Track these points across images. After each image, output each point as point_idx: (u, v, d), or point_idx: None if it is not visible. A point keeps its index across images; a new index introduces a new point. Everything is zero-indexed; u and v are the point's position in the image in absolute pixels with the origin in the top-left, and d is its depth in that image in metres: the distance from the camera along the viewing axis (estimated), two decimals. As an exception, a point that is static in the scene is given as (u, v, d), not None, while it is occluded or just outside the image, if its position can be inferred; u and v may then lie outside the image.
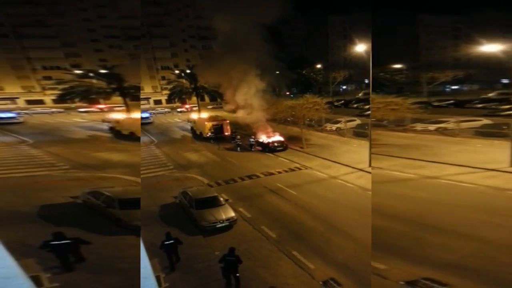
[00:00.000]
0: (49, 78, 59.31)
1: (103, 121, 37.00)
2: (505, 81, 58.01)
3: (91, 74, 40.32)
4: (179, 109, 54.52)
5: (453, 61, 61.40)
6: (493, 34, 31.62)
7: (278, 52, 30.99)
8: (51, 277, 7.24)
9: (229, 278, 9.02)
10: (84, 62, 60.81)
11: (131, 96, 39.40)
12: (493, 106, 36.20)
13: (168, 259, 9.84)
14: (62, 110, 49.22)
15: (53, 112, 49.18)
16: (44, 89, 60.45)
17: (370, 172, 18.57)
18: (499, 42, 16.79)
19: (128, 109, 36.58)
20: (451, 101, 44.57)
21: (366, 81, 66.70)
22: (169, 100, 54.66)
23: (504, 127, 21.18)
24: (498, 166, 16.61)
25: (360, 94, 59.63)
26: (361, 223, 12.49)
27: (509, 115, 19.70)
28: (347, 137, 28.14)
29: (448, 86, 61.15)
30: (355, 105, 48.52)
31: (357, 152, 22.61)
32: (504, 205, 12.50)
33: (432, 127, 26.74)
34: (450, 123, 26.25)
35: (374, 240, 10.69)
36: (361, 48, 21.47)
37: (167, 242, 9.84)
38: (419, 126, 27.19)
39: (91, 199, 13.33)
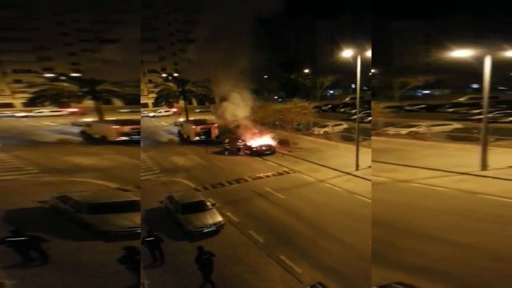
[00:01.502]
0: (19, 81, 58.29)
1: (74, 124, 36.19)
2: (475, 86, 60.22)
3: (62, 78, 39.78)
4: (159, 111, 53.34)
5: (424, 66, 63.01)
6: (463, 40, 32.83)
7: (267, 56, 31.17)
8: (17, 284, 7.05)
9: (209, 277, 8.96)
10: (57, 66, 60.11)
11: (104, 100, 39.06)
12: (464, 111, 37.36)
13: (151, 255, 9.81)
14: (31, 113, 47.92)
15: (22, 116, 47.76)
16: (14, 92, 59.04)
17: (357, 176, 18.76)
18: (470, 47, 17.10)
19: (100, 113, 35.90)
20: (423, 106, 45.72)
21: (353, 86, 67.86)
22: (156, 104, 53.99)
23: (474, 131, 21.58)
24: (469, 170, 16.87)
25: (347, 99, 60.57)
26: (349, 227, 12.55)
27: (479, 120, 20.30)
28: (334, 141, 28.41)
29: (419, 90, 62.85)
30: (342, 110, 49.20)
31: (344, 156, 22.81)
32: (475, 208, 12.68)
33: (404, 131, 27.26)
34: (422, 127, 26.76)
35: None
36: (348, 53, 21.75)
37: (149, 239, 9.81)
38: (391, 130, 27.70)
39: (60, 204, 12.97)
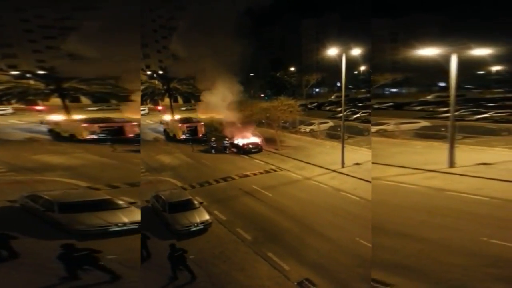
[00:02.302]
0: None
1: (42, 122, 35.24)
2: (442, 84, 62.23)
3: (28, 75, 38.69)
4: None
5: (391, 64, 64.39)
6: (430, 38, 33.79)
7: (253, 53, 31.16)
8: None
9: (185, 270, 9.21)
10: (22, 63, 58.45)
11: (71, 98, 38.15)
12: (431, 109, 38.18)
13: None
14: (13, 110, 46.22)
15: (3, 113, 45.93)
16: None
17: (342, 173, 19.12)
18: (436, 46, 17.45)
19: (68, 111, 35.13)
20: (391, 104, 46.51)
21: (338, 84, 68.68)
22: (141, 102, 53.07)
23: (442, 129, 22.03)
24: (437, 167, 17.26)
25: (332, 97, 61.34)
26: (334, 223, 12.81)
27: (446, 117, 20.89)
28: (320, 139, 28.79)
29: (387, 89, 64.13)
30: (327, 108, 49.82)
31: (330, 153, 23.15)
32: (443, 205, 13.03)
33: (373, 129, 27.60)
34: (390, 125, 27.09)
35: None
36: (333, 51, 22.06)
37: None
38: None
39: (30, 203, 12.73)
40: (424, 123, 27.51)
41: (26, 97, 36.95)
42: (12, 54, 59.43)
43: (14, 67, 54.25)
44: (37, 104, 40.66)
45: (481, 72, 57.24)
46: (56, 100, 37.51)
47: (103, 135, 27.20)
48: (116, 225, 11.46)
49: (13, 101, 38.46)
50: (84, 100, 44.36)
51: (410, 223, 11.62)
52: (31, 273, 8.50)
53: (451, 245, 10.02)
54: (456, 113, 19.61)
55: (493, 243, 9.91)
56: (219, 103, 29.74)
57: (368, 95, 57.13)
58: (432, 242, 10.27)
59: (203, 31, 29.33)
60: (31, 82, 37.10)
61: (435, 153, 19.48)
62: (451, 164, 17.34)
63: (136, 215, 12.12)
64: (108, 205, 12.60)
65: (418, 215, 12.33)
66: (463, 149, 19.09)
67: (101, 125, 28.16)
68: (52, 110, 39.02)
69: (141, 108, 52.68)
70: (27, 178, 17.52)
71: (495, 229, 10.70)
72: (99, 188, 16.18)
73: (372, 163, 18.62)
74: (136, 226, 11.62)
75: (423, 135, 24.28)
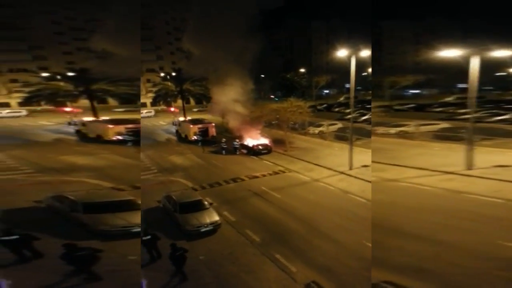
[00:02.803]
0: (15, 81, 58.10)
1: (69, 124, 36.28)
2: (462, 85, 61.00)
3: (58, 77, 39.80)
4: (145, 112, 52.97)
5: (413, 65, 63.55)
6: (451, 40, 33.29)
7: (264, 55, 31.36)
8: (12, 284, 7.29)
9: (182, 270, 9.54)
10: (52, 65, 60.01)
11: (99, 99, 39.04)
12: (451, 110, 37.85)
13: (148, 254, 10.17)
14: (27, 112, 47.81)
15: (19, 115, 47.55)
16: (10, 91, 58.82)
17: (350, 175, 19.15)
18: (457, 47, 17.46)
19: (95, 112, 36.03)
20: (412, 105, 46.16)
21: (347, 85, 68.03)
22: (154, 103, 54.01)
23: (461, 130, 21.86)
24: (455, 169, 17.23)
25: (341, 98, 60.96)
26: (342, 226, 12.91)
27: (466, 119, 20.63)
28: (329, 141, 28.79)
29: (408, 90, 63.42)
30: (336, 109, 49.59)
31: (339, 155, 23.18)
32: (460, 208, 13.01)
33: (393, 130, 27.61)
34: (410, 126, 27.14)
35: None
36: (342, 53, 22.07)
37: (145, 238, 10.15)
38: (380, 130, 28.03)
39: (55, 203, 13.14)
40: (443, 124, 27.43)
41: (55, 99, 37.99)
42: (43, 56, 61.26)
43: (45, 69, 55.98)
44: (65, 106, 41.80)
45: (501, 74, 56.08)
46: (84, 102, 38.65)
47: (128, 136, 27.81)
48: (138, 225, 11.70)
49: (42, 102, 39.54)
50: (111, 101, 45.34)
51: (426, 226, 11.66)
52: (53, 274, 8.76)
53: (467, 248, 10.05)
54: (476, 115, 19.48)
55: (509, 246, 9.88)
56: (230, 104, 30.04)
57: (370, 97, 56.59)
58: (448, 245, 10.29)
59: (214, 33, 29.67)
60: (61, 83, 38.16)
61: (453, 155, 19.45)
62: (469, 166, 17.28)
63: None
64: (131, 206, 12.86)
65: (435, 217, 12.37)
66: (481, 151, 18.98)
67: (127, 126, 28.75)
68: (79, 111, 40.37)
69: (148, 110, 53.76)
70: (53, 178, 18.09)
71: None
72: (123, 189, 16.57)
73: (391, 165, 18.82)
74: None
75: (442, 136, 24.21)
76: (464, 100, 33.25)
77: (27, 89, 39.13)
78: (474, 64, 16.86)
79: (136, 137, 27.49)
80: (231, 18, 28.31)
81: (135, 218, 12.07)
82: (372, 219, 12.20)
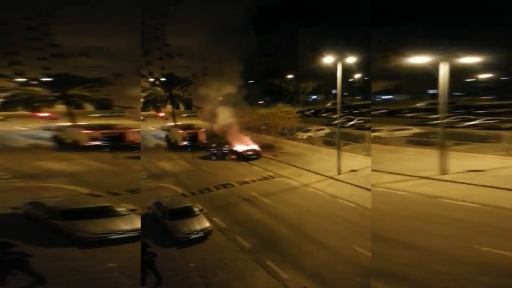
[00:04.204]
0: None
1: (45, 129, 35.57)
2: (432, 91, 63.06)
3: (34, 82, 39.32)
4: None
5: (383, 72, 65.32)
6: (419, 47, 34.55)
7: (252, 61, 31.61)
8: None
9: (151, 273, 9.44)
10: (28, 70, 59.25)
11: (76, 105, 38.71)
12: (422, 116, 38.85)
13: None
14: (1, 118, 46.52)
15: None
16: None
17: (339, 180, 19.45)
18: (425, 54, 17.96)
19: (72, 118, 35.51)
20: (383, 111, 47.23)
21: (334, 91, 69.03)
22: (143, 108, 53.54)
23: (432, 136, 22.26)
24: (429, 174, 17.47)
25: (328, 104, 61.89)
26: (332, 231, 13.06)
27: (437, 124, 21.23)
28: (317, 146, 29.15)
29: (379, 96, 64.85)
30: (324, 115, 50.33)
31: (327, 160, 23.48)
32: (435, 212, 13.17)
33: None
34: (383, 131, 27.56)
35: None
36: (329, 59, 22.54)
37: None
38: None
39: (32, 210, 12.88)
40: (416, 130, 27.90)
41: (31, 104, 37.37)
42: (18, 62, 60.78)
43: (20, 74, 54.84)
44: (41, 111, 40.99)
45: (470, 80, 58.41)
46: (60, 107, 38.00)
47: (104, 141, 27.43)
48: (116, 232, 11.64)
49: (18, 108, 38.81)
50: (87, 106, 44.79)
51: (402, 231, 11.73)
52: (31, 282, 8.56)
53: (443, 253, 10.12)
54: (446, 120, 19.80)
55: (485, 251, 10.03)
56: (218, 109, 30.06)
57: (363, 102, 57.96)
58: (424, 250, 10.37)
59: (202, 38, 29.71)
60: (36, 89, 37.47)
61: (426, 159, 19.65)
62: (443, 171, 17.61)
63: (136, 223, 12.32)
64: (109, 213, 12.75)
65: (410, 221, 12.49)
66: (454, 155, 19.28)
67: (103, 131, 28.44)
68: (55, 116, 39.50)
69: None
70: (30, 185, 17.69)
71: (487, 237, 10.87)
72: (100, 195, 16.39)
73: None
74: (137, 234, 11.81)
75: (415, 141, 24.61)
76: (435, 105, 34.43)
77: (2, 94, 38.39)
78: (444, 70, 17.29)
79: (112, 143, 27.20)
80: (220, 24, 28.45)
81: (113, 224, 11.96)
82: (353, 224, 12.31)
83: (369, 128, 29.01)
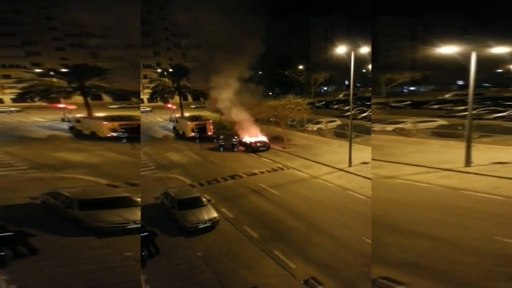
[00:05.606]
0: (8, 76, 57.43)
1: (63, 120, 35.88)
2: (460, 82, 60.91)
3: (51, 73, 39.49)
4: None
5: (410, 62, 63.30)
6: (449, 36, 33.23)
7: (262, 51, 31.05)
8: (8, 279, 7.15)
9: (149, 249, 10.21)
10: (45, 61, 59.43)
11: (93, 96, 38.85)
12: (449, 107, 37.76)
13: (146, 251, 10.12)
14: (20, 109, 47.37)
15: (11, 112, 47.19)
16: (3, 88, 58.34)
17: (349, 172, 19.10)
18: (455, 44, 17.32)
19: (89, 109, 35.82)
20: (408, 102, 46.14)
21: (346, 82, 68.05)
22: (151, 99, 53.77)
23: (459, 128, 21.79)
24: (453, 166, 17.13)
25: (340, 95, 60.93)
26: (341, 222, 12.86)
27: (463, 116, 20.46)
28: (327, 138, 28.72)
29: (405, 87, 63.27)
30: (335, 106, 49.57)
31: (338, 152, 23.13)
32: (458, 205, 12.93)
33: (390, 127, 27.42)
34: (407, 123, 26.92)
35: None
36: (341, 50, 21.95)
37: (143, 235, 10.08)
38: (377, 127, 27.83)
39: (50, 200, 13.03)
40: (441, 121, 27.21)
41: (49, 95, 37.79)
42: (36, 52, 60.80)
43: (38, 65, 55.45)
44: (59, 102, 41.64)
45: (500, 71, 56.23)
46: (78, 98, 38.45)
47: (122, 133, 27.66)
48: (134, 222, 11.66)
49: (36, 99, 39.41)
50: (106, 98, 45.15)
51: (423, 222, 11.59)
52: (50, 270, 8.72)
53: (465, 244, 10.00)
54: (474, 112, 19.23)
55: (507, 242, 9.84)
56: (227, 101, 29.88)
57: (370, 94, 56.69)
58: (446, 241, 10.25)
59: (212, 28, 29.37)
60: (54, 79, 37.81)
61: (451, 152, 19.36)
62: (467, 163, 17.18)
63: None
64: (126, 203, 12.80)
65: (432, 214, 12.29)
66: (479, 148, 18.89)
67: (121, 122, 28.60)
68: (73, 107, 40.06)
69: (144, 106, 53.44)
70: (48, 175, 17.95)
71: (510, 228, 10.64)
72: (118, 186, 16.47)
73: (388, 162, 18.64)
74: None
75: (439, 133, 24.08)
76: (462, 97, 33.23)
77: (20, 85, 38.81)
78: (473, 60, 16.68)
79: (130, 134, 27.34)
80: (229, 15, 28.00)
81: (131, 214, 11.99)
82: (372, 216, 12.14)
83: (370, 119, 28.50)
